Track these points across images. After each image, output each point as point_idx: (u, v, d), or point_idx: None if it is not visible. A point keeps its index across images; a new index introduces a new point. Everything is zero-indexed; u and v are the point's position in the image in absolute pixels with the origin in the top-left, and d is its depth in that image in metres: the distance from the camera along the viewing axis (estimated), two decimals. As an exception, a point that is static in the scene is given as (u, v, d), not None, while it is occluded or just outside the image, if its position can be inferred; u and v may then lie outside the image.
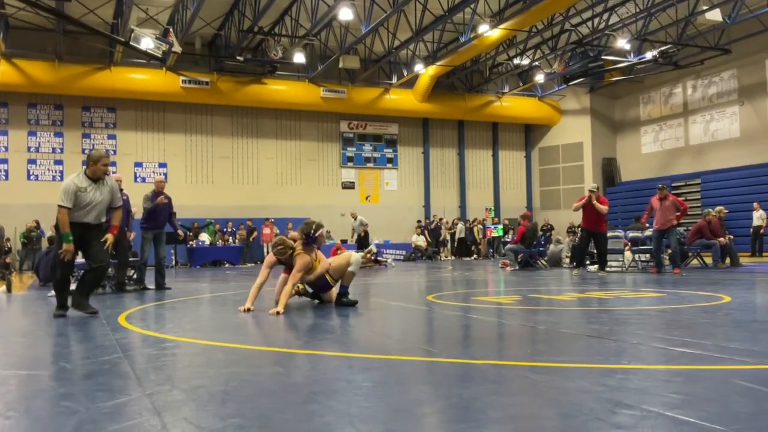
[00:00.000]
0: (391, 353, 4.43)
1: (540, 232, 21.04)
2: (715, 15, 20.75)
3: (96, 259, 6.81)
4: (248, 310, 6.79)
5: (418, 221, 27.36)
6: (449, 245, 27.90)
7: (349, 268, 7.18)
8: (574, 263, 13.36)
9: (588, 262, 14.73)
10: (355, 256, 7.32)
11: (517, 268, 15.99)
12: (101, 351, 4.59)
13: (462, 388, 3.25)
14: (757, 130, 23.76)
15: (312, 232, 7.11)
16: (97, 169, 6.72)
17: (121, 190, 10.58)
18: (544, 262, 17.10)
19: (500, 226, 26.76)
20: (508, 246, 17.28)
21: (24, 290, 11.92)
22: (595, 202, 12.91)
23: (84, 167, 6.82)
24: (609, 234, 16.09)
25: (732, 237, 16.33)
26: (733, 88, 24.72)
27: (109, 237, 6.80)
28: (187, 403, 3.04)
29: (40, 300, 9.53)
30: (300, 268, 6.96)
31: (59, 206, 6.55)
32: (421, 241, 25.86)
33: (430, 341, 5.25)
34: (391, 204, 28.41)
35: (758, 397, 2.93)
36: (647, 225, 14.22)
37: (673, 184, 25.09)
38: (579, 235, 13.81)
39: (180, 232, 11.47)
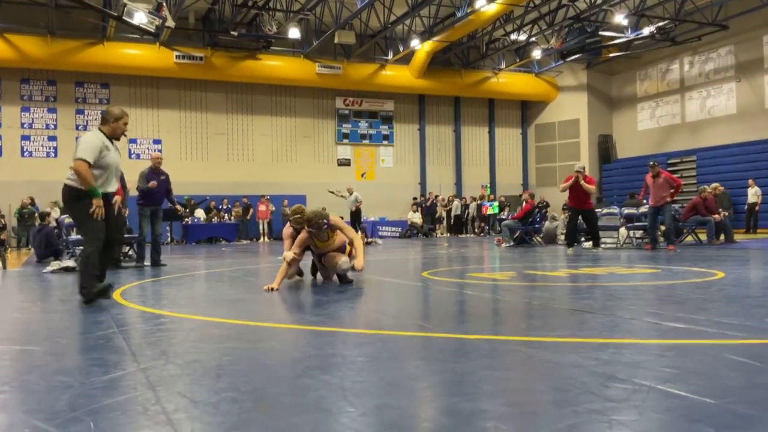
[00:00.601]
0: (385, 329, 4.44)
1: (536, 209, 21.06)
2: (713, -10, 20.61)
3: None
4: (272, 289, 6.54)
5: (414, 198, 27.35)
6: (445, 222, 27.94)
7: (336, 269, 7.03)
8: (567, 242, 13.39)
9: (582, 239, 14.77)
10: (344, 259, 6.99)
11: (511, 244, 16.02)
12: (96, 326, 4.59)
13: (456, 362, 3.27)
14: (753, 106, 23.72)
15: (315, 222, 6.87)
16: (117, 127, 6.05)
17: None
18: (540, 239, 17.14)
19: (496, 203, 26.78)
20: (505, 222, 17.28)
21: (19, 267, 11.91)
22: (582, 182, 12.92)
23: (99, 126, 6.13)
24: (604, 210, 16.18)
25: (726, 214, 16.36)
26: (730, 64, 24.63)
27: (117, 198, 6.46)
28: (181, 377, 3.05)
29: (35, 276, 9.53)
30: (298, 245, 6.94)
31: (80, 159, 5.63)
32: (416, 218, 25.88)
33: (425, 317, 5.27)
34: (386, 181, 28.37)
35: (749, 371, 2.95)
36: (644, 201, 14.26)
37: (669, 161, 25.09)
38: (567, 214, 13.87)
39: (179, 207, 11.38)
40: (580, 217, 13.39)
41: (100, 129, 6.04)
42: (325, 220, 6.88)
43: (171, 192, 11.12)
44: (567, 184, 13.23)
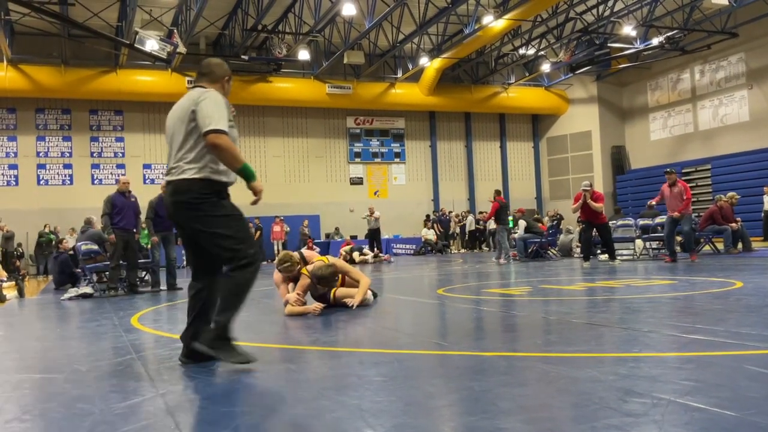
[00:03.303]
0: (401, 347, 4.44)
1: (550, 222, 20.99)
2: (721, -2, 20.59)
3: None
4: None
5: (427, 215, 27.32)
6: (459, 238, 27.85)
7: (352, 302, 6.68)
8: (583, 255, 13.25)
9: (599, 251, 14.68)
10: (356, 299, 6.63)
11: (514, 258, 15.97)
12: (114, 353, 4.62)
13: (473, 380, 3.26)
14: (766, 113, 23.56)
15: (319, 276, 6.58)
16: (226, 88, 4.17)
17: (129, 191, 10.69)
18: (555, 252, 17.06)
19: (510, 218, 26.64)
20: (516, 236, 17.23)
21: (37, 294, 12.00)
22: (589, 200, 12.74)
23: (199, 84, 4.11)
24: (619, 222, 16.04)
25: (740, 221, 16.14)
26: (741, 71, 24.52)
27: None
28: (199, 401, 3.06)
29: (53, 304, 9.60)
30: (301, 290, 6.56)
31: (217, 131, 3.72)
32: (430, 234, 25.84)
33: (441, 335, 5.25)
34: (399, 198, 28.40)
35: (770, 382, 2.92)
36: (654, 207, 14.04)
37: (684, 170, 24.92)
38: (581, 228, 13.68)
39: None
40: (594, 229, 13.26)
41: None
42: (336, 276, 6.66)
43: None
44: (576, 205, 13.11)
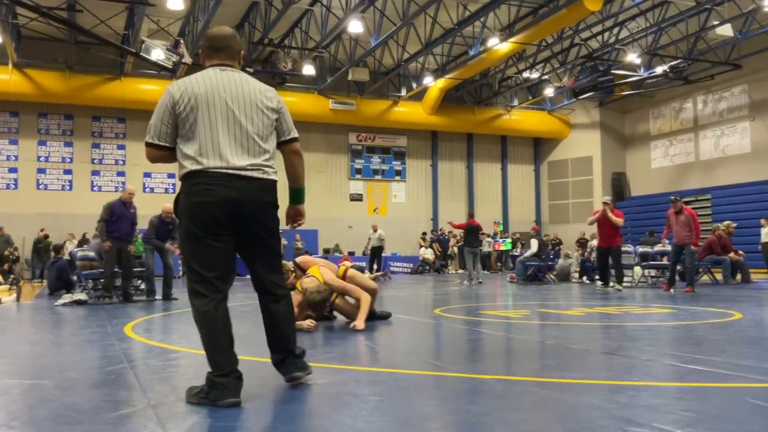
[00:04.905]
0: (398, 367, 4.39)
1: (549, 246, 20.93)
2: (726, 30, 20.69)
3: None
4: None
5: (423, 233, 27.24)
6: (457, 258, 27.78)
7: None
8: (600, 281, 13.09)
9: (596, 276, 14.63)
10: (359, 321, 6.31)
11: (517, 281, 15.91)
12: (106, 361, 4.57)
13: (470, 403, 3.21)
14: None
15: (310, 301, 6.34)
16: (242, 62, 3.67)
17: (131, 202, 10.65)
18: (553, 277, 17.02)
19: (509, 240, 26.65)
20: (519, 258, 17.23)
21: (31, 299, 11.93)
22: (610, 214, 12.65)
23: (226, 64, 3.52)
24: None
25: (743, 254, 16.08)
26: (744, 103, 24.62)
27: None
28: (192, 414, 3.01)
29: (47, 309, 9.53)
30: (296, 306, 6.44)
31: (296, 138, 3.65)
32: (428, 254, 25.78)
33: (438, 355, 5.20)
34: (398, 217, 28.36)
35: (772, 416, 2.88)
36: (666, 241, 13.86)
37: (684, 199, 24.89)
38: (595, 255, 13.52)
39: (169, 246, 11.09)
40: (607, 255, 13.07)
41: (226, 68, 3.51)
42: (327, 303, 6.44)
43: (174, 230, 10.89)
44: (594, 217, 12.92)
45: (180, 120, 3.36)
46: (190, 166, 3.31)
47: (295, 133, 3.62)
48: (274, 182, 3.45)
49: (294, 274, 6.70)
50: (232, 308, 3.50)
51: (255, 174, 3.35)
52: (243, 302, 10.19)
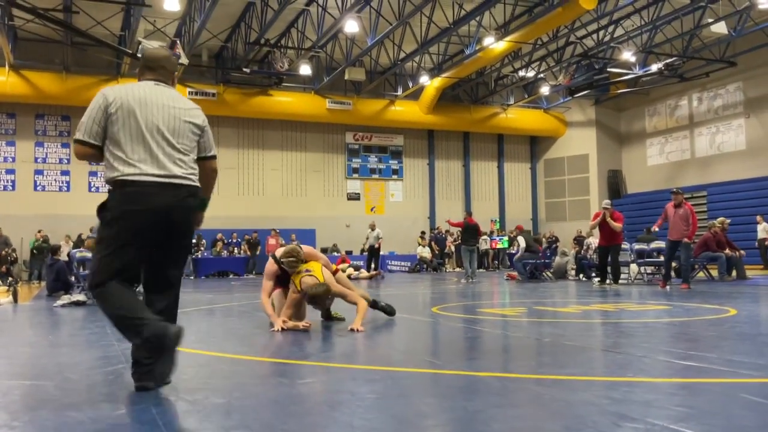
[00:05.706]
0: (395, 365, 4.42)
1: (546, 244, 21.00)
2: (721, 28, 20.75)
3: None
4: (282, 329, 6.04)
5: (422, 232, 27.28)
6: (454, 257, 27.83)
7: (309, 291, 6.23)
8: (599, 278, 13.21)
9: (593, 274, 14.69)
10: (357, 323, 6.15)
11: (520, 279, 15.95)
12: (106, 361, 4.60)
13: (466, 400, 3.25)
14: (763, 142, 23.71)
15: (312, 294, 6.17)
16: (175, 81, 3.99)
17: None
18: (550, 274, 17.06)
19: (505, 238, 26.72)
20: (515, 259, 17.32)
21: (30, 300, 11.94)
22: (609, 219, 12.79)
23: (159, 80, 3.75)
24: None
25: (743, 252, 16.06)
26: (739, 100, 24.70)
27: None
28: (191, 414, 3.04)
29: (45, 310, 9.55)
30: (290, 306, 6.30)
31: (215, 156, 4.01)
32: (425, 252, 25.82)
33: (435, 353, 5.24)
34: (395, 215, 28.40)
35: (764, 411, 2.92)
36: (656, 232, 13.87)
37: (680, 196, 24.98)
38: (597, 254, 13.67)
39: None
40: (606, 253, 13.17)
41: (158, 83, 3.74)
42: (329, 297, 6.28)
43: None
44: (595, 222, 13.14)
45: (110, 122, 3.49)
46: (121, 168, 3.46)
47: (214, 151, 3.94)
48: (197, 188, 3.71)
49: (300, 264, 6.42)
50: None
51: (183, 182, 3.58)
52: (240, 302, 10.22)
